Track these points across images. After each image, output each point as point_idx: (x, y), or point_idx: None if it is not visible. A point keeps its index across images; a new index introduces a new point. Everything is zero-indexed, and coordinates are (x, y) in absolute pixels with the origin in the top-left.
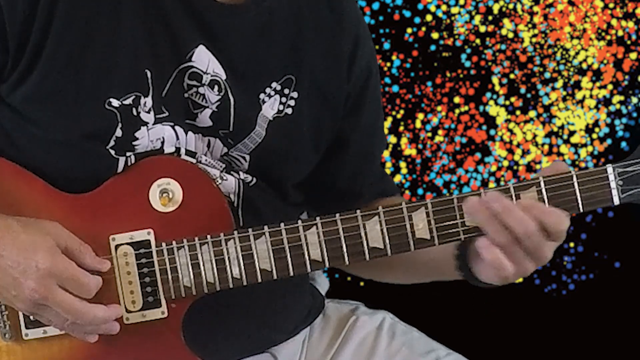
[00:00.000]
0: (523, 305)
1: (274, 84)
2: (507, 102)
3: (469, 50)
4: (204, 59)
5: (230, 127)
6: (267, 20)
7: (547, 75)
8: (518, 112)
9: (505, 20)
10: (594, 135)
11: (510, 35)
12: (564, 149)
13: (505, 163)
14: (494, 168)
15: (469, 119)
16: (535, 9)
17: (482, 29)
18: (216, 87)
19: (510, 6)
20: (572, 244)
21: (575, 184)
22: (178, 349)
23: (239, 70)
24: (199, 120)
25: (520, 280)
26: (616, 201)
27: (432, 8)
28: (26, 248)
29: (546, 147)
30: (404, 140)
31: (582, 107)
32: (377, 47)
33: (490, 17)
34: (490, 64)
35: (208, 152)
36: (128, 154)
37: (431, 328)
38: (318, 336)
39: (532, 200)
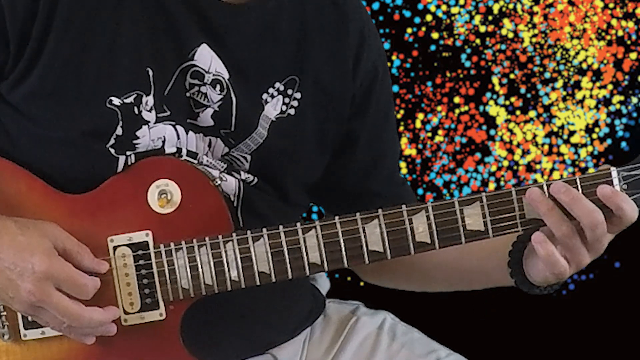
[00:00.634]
0: (523, 305)
1: (277, 84)
2: (507, 102)
3: (469, 50)
4: (206, 58)
5: (231, 127)
6: (271, 20)
7: (547, 75)
8: (518, 112)
9: (505, 20)
10: (594, 135)
11: (510, 35)
12: (564, 149)
13: (505, 163)
14: (494, 168)
15: (469, 119)
16: (535, 9)
17: (482, 29)
18: (218, 87)
19: (510, 6)
20: None
21: (579, 188)
22: (176, 351)
23: (241, 70)
24: (200, 119)
25: None
26: None
27: (432, 8)
28: (23, 250)
29: (546, 147)
30: (404, 140)
31: (582, 107)
32: None
33: (490, 17)
34: (490, 64)
35: (209, 151)
36: (128, 153)
37: (432, 328)
38: (319, 337)
39: (614, 189)
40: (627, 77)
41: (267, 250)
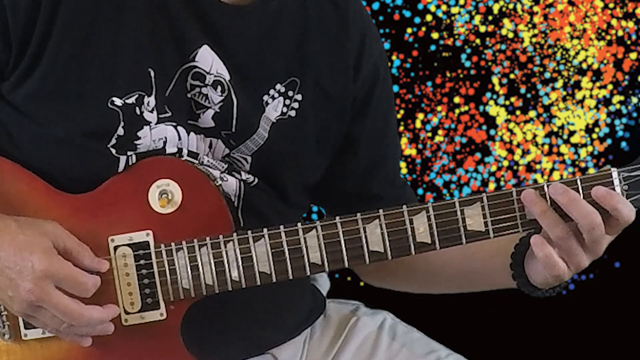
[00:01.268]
0: (523, 305)
1: (278, 86)
2: (507, 102)
3: (469, 50)
4: (207, 59)
5: (232, 128)
6: (272, 21)
7: (547, 75)
8: (518, 112)
9: (505, 20)
10: (594, 135)
11: (510, 35)
12: (564, 149)
13: (505, 163)
14: (494, 168)
15: (469, 119)
16: (535, 9)
17: (482, 29)
18: (219, 88)
19: (510, 6)
20: None
21: (580, 189)
22: (177, 351)
23: (243, 71)
24: (201, 120)
25: None
26: None
27: (432, 8)
28: (23, 249)
29: (546, 147)
30: (404, 140)
31: (582, 107)
32: None
33: (490, 17)
34: (490, 64)
35: (210, 152)
36: (129, 153)
37: (432, 328)
38: (319, 337)
39: (608, 189)
40: (627, 77)
41: (267, 250)
